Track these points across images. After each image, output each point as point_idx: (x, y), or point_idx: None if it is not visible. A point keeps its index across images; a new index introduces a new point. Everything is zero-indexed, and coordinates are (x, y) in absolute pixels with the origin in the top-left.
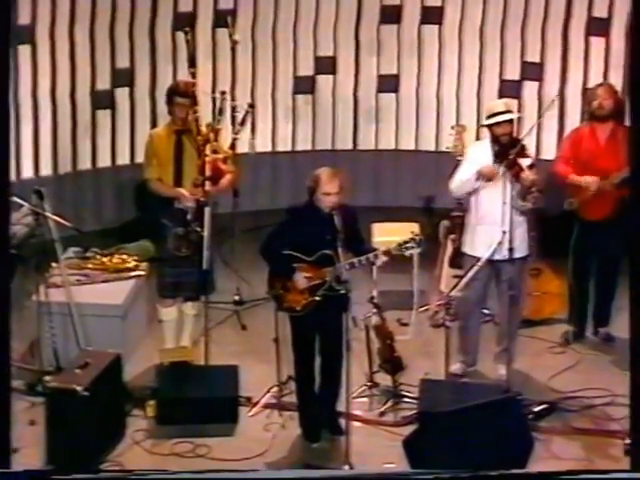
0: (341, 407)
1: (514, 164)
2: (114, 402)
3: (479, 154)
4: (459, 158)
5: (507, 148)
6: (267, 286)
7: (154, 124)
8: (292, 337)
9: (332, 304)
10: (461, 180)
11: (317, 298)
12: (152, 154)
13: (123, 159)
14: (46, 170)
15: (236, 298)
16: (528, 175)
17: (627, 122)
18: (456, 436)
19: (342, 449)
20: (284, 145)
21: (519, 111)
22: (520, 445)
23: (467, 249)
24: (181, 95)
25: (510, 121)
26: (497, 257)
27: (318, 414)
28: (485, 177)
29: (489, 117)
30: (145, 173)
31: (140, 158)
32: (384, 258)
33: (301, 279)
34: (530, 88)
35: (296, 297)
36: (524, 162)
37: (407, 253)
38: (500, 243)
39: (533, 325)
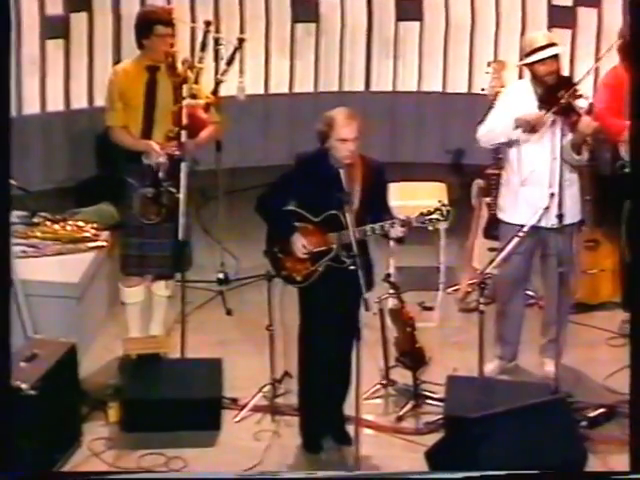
0: (350, 410)
1: (568, 109)
2: (68, 403)
3: (519, 95)
4: (495, 102)
5: (556, 90)
6: (265, 245)
7: (118, 59)
8: (300, 318)
9: (341, 278)
10: (492, 127)
11: (320, 269)
12: (116, 96)
13: (79, 102)
14: None
15: (220, 276)
16: (589, 123)
17: None
18: (491, 447)
19: (350, 462)
20: (280, 86)
21: (572, 45)
22: (570, 457)
23: (506, 215)
24: (164, 23)
25: (555, 57)
26: (543, 225)
27: (323, 418)
28: (529, 126)
29: (528, 54)
30: (107, 119)
31: (101, 101)
32: (401, 230)
33: (299, 244)
34: (586, 16)
35: (296, 265)
36: (580, 105)
37: (431, 227)
38: (547, 208)
39: (588, 310)
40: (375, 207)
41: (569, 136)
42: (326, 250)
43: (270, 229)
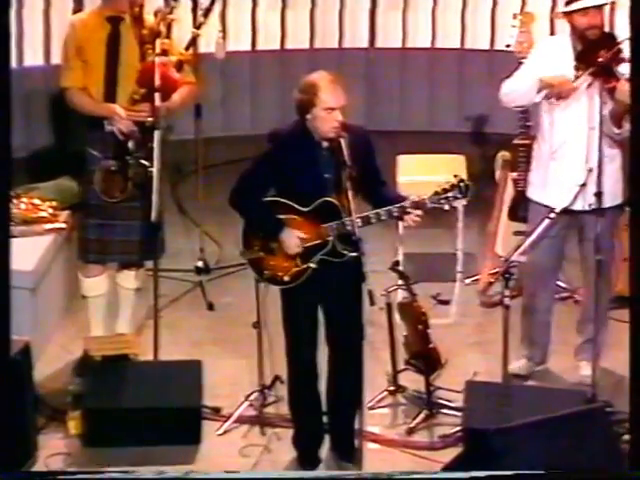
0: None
1: (607, 72)
2: (20, 412)
3: (553, 51)
4: (524, 60)
5: (596, 48)
6: (241, 245)
7: (79, 8)
8: (283, 316)
9: (341, 269)
10: (516, 86)
11: (313, 265)
12: (73, 52)
13: (33, 58)
14: None
15: (199, 264)
16: (626, 90)
17: None
18: (517, 463)
19: None
20: (269, 42)
21: None
22: (610, 474)
23: (535, 194)
24: None
25: (599, 8)
26: (579, 206)
27: (320, 429)
28: (553, 91)
29: (569, 2)
30: (63, 80)
31: (57, 58)
32: (415, 213)
33: (293, 240)
34: None
35: (283, 263)
36: (621, 69)
37: (447, 206)
38: (584, 185)
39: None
40: (368, 184)
41: (609, 104)
42: (320, 244)
43: (250, 226)
